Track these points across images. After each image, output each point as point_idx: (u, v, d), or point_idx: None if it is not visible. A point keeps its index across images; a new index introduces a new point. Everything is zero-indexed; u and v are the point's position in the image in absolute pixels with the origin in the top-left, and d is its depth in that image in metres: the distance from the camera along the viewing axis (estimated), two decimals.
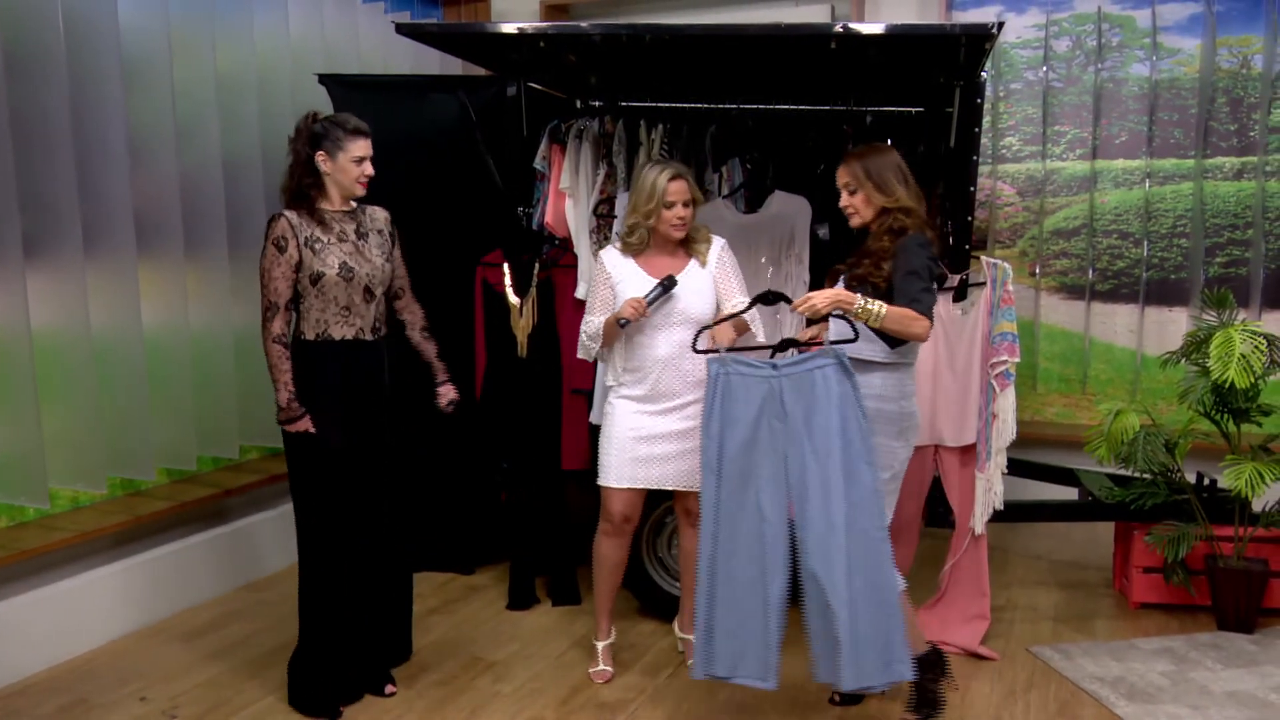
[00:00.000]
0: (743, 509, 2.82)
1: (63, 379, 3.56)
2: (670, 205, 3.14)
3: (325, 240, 3.04)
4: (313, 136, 3.03)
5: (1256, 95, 4.71)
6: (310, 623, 3.17)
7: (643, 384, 3.20)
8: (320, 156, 3.02)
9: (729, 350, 2.90)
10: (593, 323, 3.25)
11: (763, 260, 3.95)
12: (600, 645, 3.44)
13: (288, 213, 3.03)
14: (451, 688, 3.36)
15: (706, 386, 2.88)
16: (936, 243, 3.02)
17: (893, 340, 2.88)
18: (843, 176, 2.96)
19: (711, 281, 3.23)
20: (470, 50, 4.00)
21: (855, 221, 2.98)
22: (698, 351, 3.01)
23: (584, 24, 3.42)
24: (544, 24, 3.67)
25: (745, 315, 3.13)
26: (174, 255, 3.94)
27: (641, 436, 3.20)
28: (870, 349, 2.90)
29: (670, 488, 3.25)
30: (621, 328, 3.12)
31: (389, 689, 3.29)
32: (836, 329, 2.95)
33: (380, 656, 3.33)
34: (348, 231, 3.09)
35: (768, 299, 3.03)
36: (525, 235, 4.10)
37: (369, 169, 3.07)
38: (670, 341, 3.16)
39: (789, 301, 2.96)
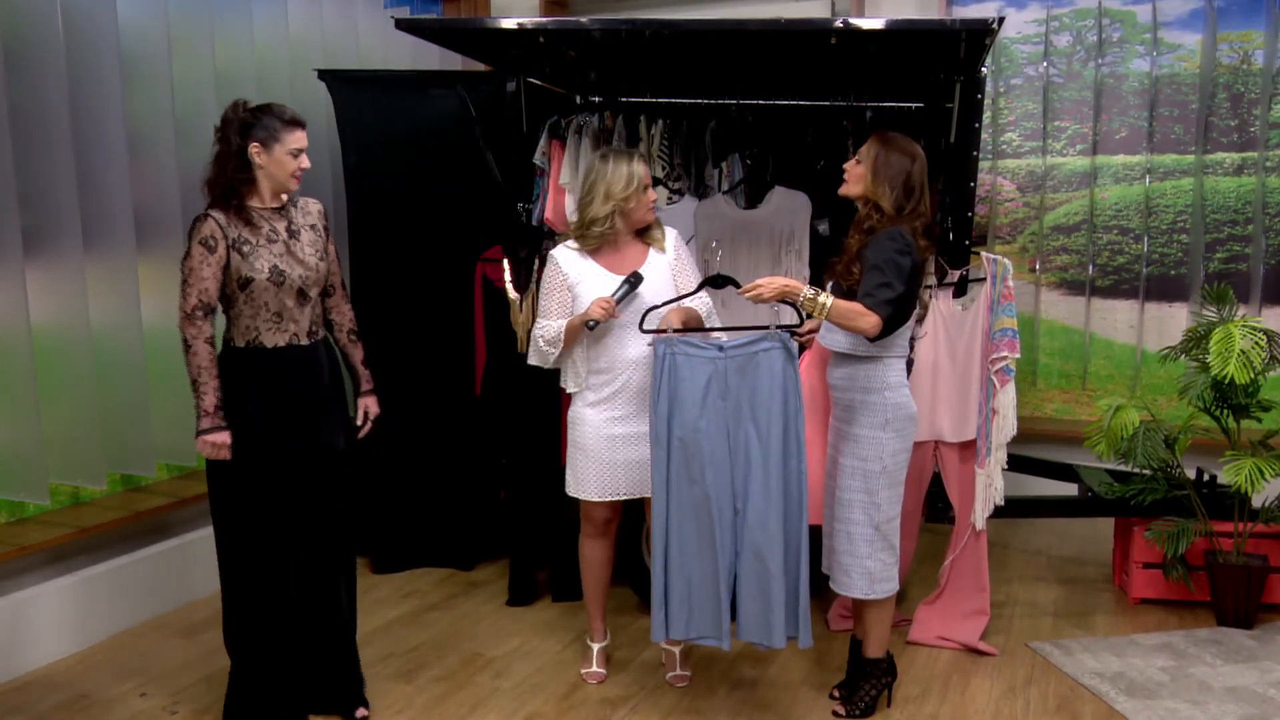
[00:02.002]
0: (691, 483, 2.95)
1: (63, 375, 3.56)
2: (645, 189, 3.13)
3: (254, 242, 2.83)
4: (245, 126, 2.80)
5: (1257, 91, 4.70)
6: (241, 651, 2.99)
7: (611, 385, 3.15)
8: (254, 148, 2.81)
9: (676, 331, 2.96)
10: (550, 327, 3.13)
11: (762, 256, 3.95)
12: (596, 647, 3.42)
13: (214, 213, 2.81)
14: (451, 683, 3.36)
15: (653, 366, 2.94)
16: (932, 249, 3.02)
17: None
18: (868, 145, 2.98)
19: (670, 269, 3.20)
20: (469, 45, 3.99)
21: (843, 189, 3.02)
22: (644, 331, 3.02)
23: (583, 19, 3.41)
24: (543, 19, 3.65)
25: (701, 311, 3.17)
26: (173, 251, 3.91)
27: (616, 445, 3.15)
28: (849, 341, 2.92)
29: (650, 494, 3.18)
30: (590, 329, 3.05)
31: (360, 712, 3.09)
32: (827, 328, 2.96)
33: (330, 677, 3.10)
34: (278, 230, 2.89)
35: (716, 283, 3.07)
36: (525, 231, 4.10)
37: (305, 162, 2.87)
38: (640, 340, 3.10)
39: (737, 286, 2.97)
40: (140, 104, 3.82)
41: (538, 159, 4.14)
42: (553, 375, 3.95)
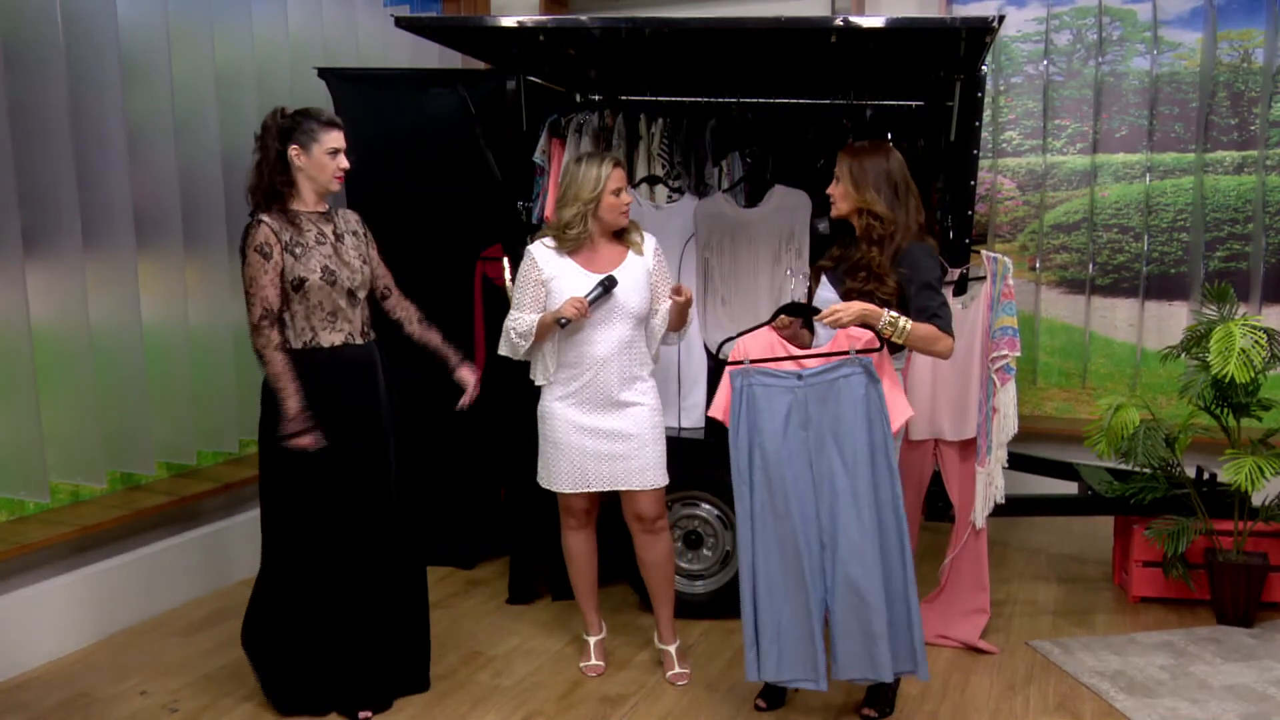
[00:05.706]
0: (777, 518, 2.85)
1: (62, 374, 3.57)
2: (617, 192, 3.13)
3: (305, 244, 2.93)
4: (284, 130, 2.93)
5: (1257, 89, 4.70)
6: (276, 641, 3.04)
7: (578, 380, 3.17)
8: (294, 151, 2.93)
9: (753, 362, 2.88)
10: (523, 320, 3.17)
11: (762, 254, 3.95)
12: (592, 640, 3.44)
13: (266, 218, 2.91)
14: (451, 682, 3.36)
15: (731, 398, 2.89)
16: (937, 249, 3.04)
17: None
18: (837, 164, 3.03)
19: (648, 273, 3.21)
20: (469, 44, 3.99)
21: (834, 211, 3.06)
22: (721, 362, 2.97)
23: (583, 17, 3.41)
24: (543, 17, 3.65)
25: (665, 316, 3.20)
26: (173, 250, 3.94)
27: (585, 435, 3.17)
28: None
29: (622, 488, 3.20)
30: (561, 327, 3.08)
31: (362, 715, 3.07)
32: (823, 333, 2.94)
33: (378, 675, 3.14)
34: (326, 233, 2.99)
35: (793, 312, 2.98)
36: (525, 229, 4.09)
37: (344, 162, 2.99)
38: (609, 339, 3.13)
39: (815, 313, 2.92)
40: (140, 103, 3.82)
41: (538, 157, 4.14)
42: None
